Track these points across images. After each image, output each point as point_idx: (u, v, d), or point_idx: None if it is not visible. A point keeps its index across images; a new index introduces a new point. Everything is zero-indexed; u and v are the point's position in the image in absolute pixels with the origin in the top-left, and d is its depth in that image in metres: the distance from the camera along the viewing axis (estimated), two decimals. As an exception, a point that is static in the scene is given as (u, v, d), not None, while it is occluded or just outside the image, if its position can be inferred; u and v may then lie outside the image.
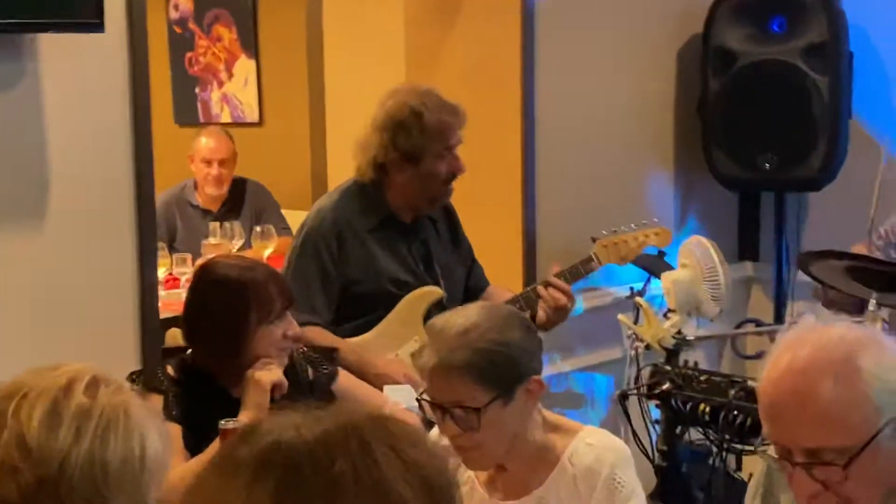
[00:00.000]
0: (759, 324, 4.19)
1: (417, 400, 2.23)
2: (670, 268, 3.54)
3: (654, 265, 3.65)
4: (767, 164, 4.02)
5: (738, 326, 4.21)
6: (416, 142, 3.04)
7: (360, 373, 2.91)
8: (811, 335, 1.79)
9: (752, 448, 3.12)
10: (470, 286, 3.32)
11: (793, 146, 4.00)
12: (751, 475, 3.28)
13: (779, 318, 4.22)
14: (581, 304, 3.80)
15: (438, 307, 2.99)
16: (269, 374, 2.52)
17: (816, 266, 3.17)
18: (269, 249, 4.16)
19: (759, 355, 4.06)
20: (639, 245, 3.33)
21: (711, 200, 4.32)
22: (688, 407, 3.20)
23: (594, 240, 3.32)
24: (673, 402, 3.22)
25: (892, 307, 3.15)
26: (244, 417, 2.44)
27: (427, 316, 2.99)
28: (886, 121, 4.12)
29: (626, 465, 2.19)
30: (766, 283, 4.36)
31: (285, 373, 2.58)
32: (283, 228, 4.49)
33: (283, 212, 4.76)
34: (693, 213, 4.32)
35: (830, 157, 3.97)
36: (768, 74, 4.00)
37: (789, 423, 1.74)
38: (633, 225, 3.29)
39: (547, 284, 3.20)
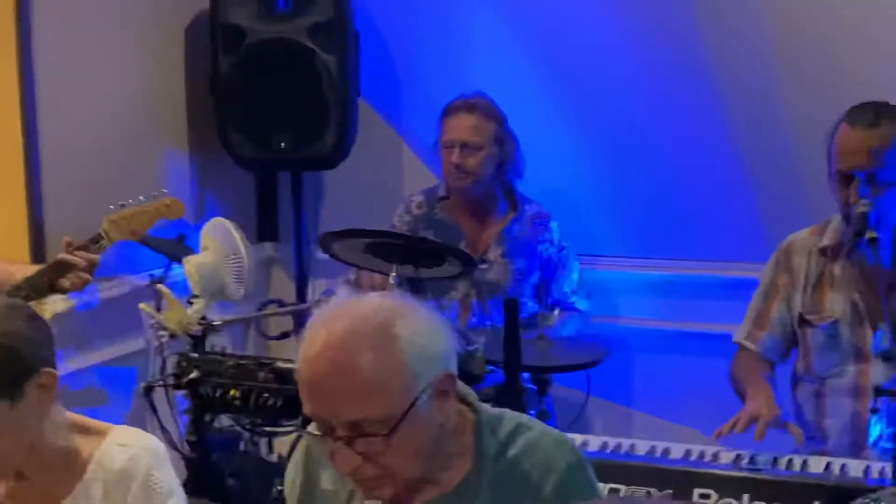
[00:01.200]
0: (281, 304, 4.20)
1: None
2: (191, 251, 3.43)
3: (174, 249, 3.54)
4: (282, 144, 4.01)
5: (262, 308, 4.18)
6: None
7: None
8: (346, 309, 1.79)
9: (286, 429, 3.12)
10: None
11: (306, 125, 4.01)
12: (280, 456, 3.28)
13: (301, 297, 4.24)
14: (98, 294, 3.61)
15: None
16: None
17: (337, 245, 3.21)
18: None
19: (284, 335, 4.08)
20: (149, 217, 3.09)
21: (229, 181, 4.28)
22: (217, 393, 3.14)
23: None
24: (202, 390, 3.14)
25: (410, 279, 3.26)
26: None
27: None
28: (392, 100, 4.24)
29: (162, 464, 2.12)
30: (286, 262, 4.39)
31: None
32: None
33: None
34: (211, 194, 4.25)
35: (342, 135, 4.02)
36: (277, 53, 3.98)
37: (331, 398, 1.73)
38: (141, 198, 3.10)
39: (75, 248, 2.92)
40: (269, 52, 3.98)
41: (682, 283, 3.94)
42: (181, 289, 3.39)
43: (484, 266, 3.67)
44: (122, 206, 3.05)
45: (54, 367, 2.01)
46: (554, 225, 3.75)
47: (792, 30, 3.71)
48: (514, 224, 3.72)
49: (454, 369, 1.82)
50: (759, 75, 3.75)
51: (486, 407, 1.93)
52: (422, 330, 1.77)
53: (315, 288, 4.29)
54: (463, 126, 3.63)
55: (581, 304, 3.76)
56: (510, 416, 1.92)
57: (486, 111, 3.65)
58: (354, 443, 1.74)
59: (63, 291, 2.93)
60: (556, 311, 3.57)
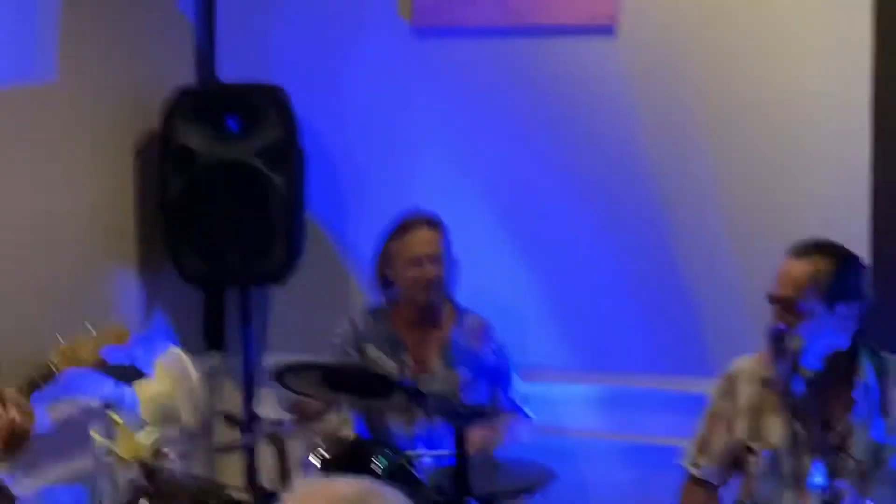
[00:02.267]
0: (230, 416, 4.18)
1: None
2: (142, 375, 3.44)
3: (127, 374, 3.52)
4: (231, 261, 4.06)
5: (210, 419, 4.18)
6: None
7: None
8: (316, 495, 1.81)
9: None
10: None
11: (255, 242, 4.06)
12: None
13: (248, 405, 4.23)
14: (48, 416, 3.59)
15: None
16: None
17: (290, 378, 3.23)
18: None
19: (232, 447, 4.08)
20: (96, 345, 3.13)
21: (177, 296, 4.28)
22: (171, 520, 3.13)
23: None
24: (155, 516, 3.14)
25: (361, 409, 3.30)
26: None
27: None
28: (339, 217, 4.31)
29: None
30: (233, 372, 4.37)
31: None
32: None
33: None
34: (160, 309, 4.25)
35: (289, 252, 4.08)
36: (227, 173, 4.04)
37: None
38: (89, 326, 3.10)
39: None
40: (219, 172, 4.04)
41: (628, 396, 4.00)
42: (132, 409, 3.39)
43: (427, 377, 3.72)
44: (73, 337, 3.04)
45: None
46: (494, 334, 3.81)
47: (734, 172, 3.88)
48: (455, 334, 3.78)
49: None
50: (703, 216, 3.90)
51: None
52: None
53: (261, 398, 4.28)
54: (428, 240, 3.73)
55: (528, 410, 3.81)
56: None
57: (441, 226, 3.77)
58: None
59: None
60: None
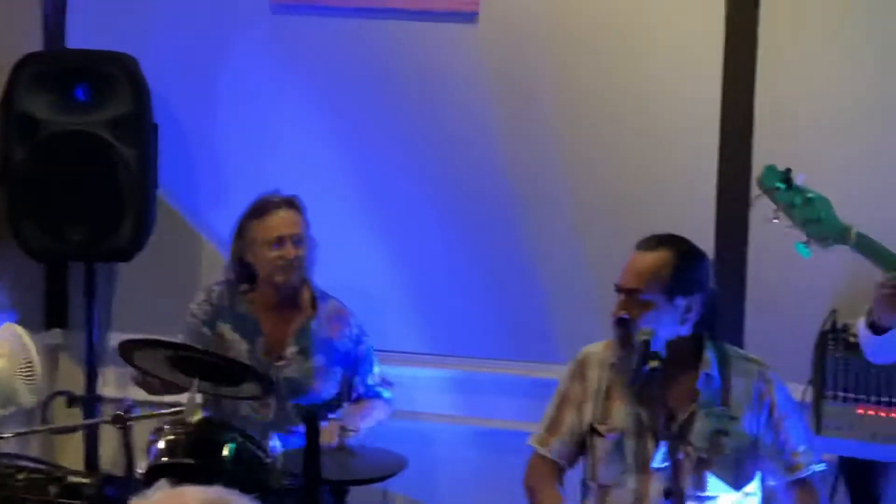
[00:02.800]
0: (70, 395, 4.07)
1: None
2: (-23, 352, 3.32)
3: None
4: (76, 237, 3.94)
5: (50, 398, 4.06)
6: None
7: None
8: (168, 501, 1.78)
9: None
10: None
11: (102, 217, 3.95)
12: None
13: (90, 386, 4.12)
14: None
15: None
16: None
17: (139, 355, 3.17)
18: None
19: (72, 429, 3.97)
20: None
21: (18, 270, 4.14)
22: (7, 508, 3.03)
23: None
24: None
25: (210, 394, 3.24)
26: None
27: None
28: (191, 194, 4.22)
29: None
30: (75, 350, 4.26)
31: None
32: None
33: None
34: (-2, 284, 4.10)
35: (139, 228, 3.98)
36: (74, 144, 3.92)
37: None
38: None
39: None
40: (66, 143, 3.91)
41: (478, 381, 4.03)
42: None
43: (281, 363, 3.67)
44: None
45: None
46: (353, 321, 3.79)
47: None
48: (313, 321, 3.74)
49: None
50: (555, 207, 3.95)
51: None
52: None
53: (104, 377, 4.17)
54: (289, 220, 3.67)
55: (386, 393, 3.81)
56: None
57: (301, 207, 3.72)
58: None
59: None
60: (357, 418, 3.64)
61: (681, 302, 3.05)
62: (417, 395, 4.03)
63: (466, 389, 4.05)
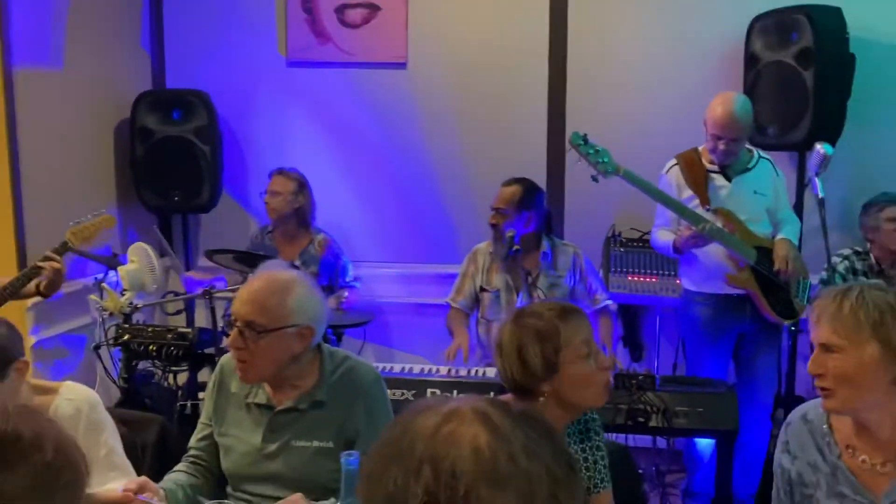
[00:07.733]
0: (176, 293, 4.01)
1: None
2: (121, 263, 3.26)
3: (111, 262, 3.34)
4: (176, 199, 3.89)
5: (164, 296, 3.99)
6: None
7: None
8: (270, 270, 1.85)
9: (184, 369, 3.02)
10: None
11: (190, 187, 3.91)
12: (178, 386, 3.17)
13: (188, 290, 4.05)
14: (61, 291, 3.36)
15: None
16: None
17: (217, 256, 3.15)
18: None
19: (177, 312, 3.91)
20: (96, 228, 2.79)
21: (141, 220, 4.06)
22: (141, 348, 3.04)
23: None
24: (130, 346, 3.04)
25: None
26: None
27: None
28: (241, 173, 4.14)
29: (97, 408, 1.89)
30: (177, 268, 4.14)
31: None
32: None
33: None
34: (132, 228, 4.04)
35: (212, 194, 3.94)
36: (173, 144, 3.86)
37: (243, 303, 1.78)
38: (89, 216, 2.81)
39: (46, 258, 2.65)
40: (168, 143, 3.86)
41: (416, 276, 3.99)
42: (115, 285, 3.22)
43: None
44: (78, 222, 2.82)
45: (24, 357, 1.81)
46: (334, 245, 3.73)
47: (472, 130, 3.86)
48: (309, 246, 3.71)
49: (318, 329, 1.82)
50: (458, 174, 3.85)
51: (328, 346, 1.94)
52: (306, 294, 1.80)
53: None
54: (278, 183, 3.63)
55: (357, 284, 3.79)
56: (341, 351, 1.95)
57: (290, 175, 3.65)
58: (243, 332, 1.75)
59: (43, 296, 2.70)
60: (345, 292, 3.63)
61: (526, 214, 3.09)
62: (377, 286, 4.00)
63: (408, 281, 4.01)
